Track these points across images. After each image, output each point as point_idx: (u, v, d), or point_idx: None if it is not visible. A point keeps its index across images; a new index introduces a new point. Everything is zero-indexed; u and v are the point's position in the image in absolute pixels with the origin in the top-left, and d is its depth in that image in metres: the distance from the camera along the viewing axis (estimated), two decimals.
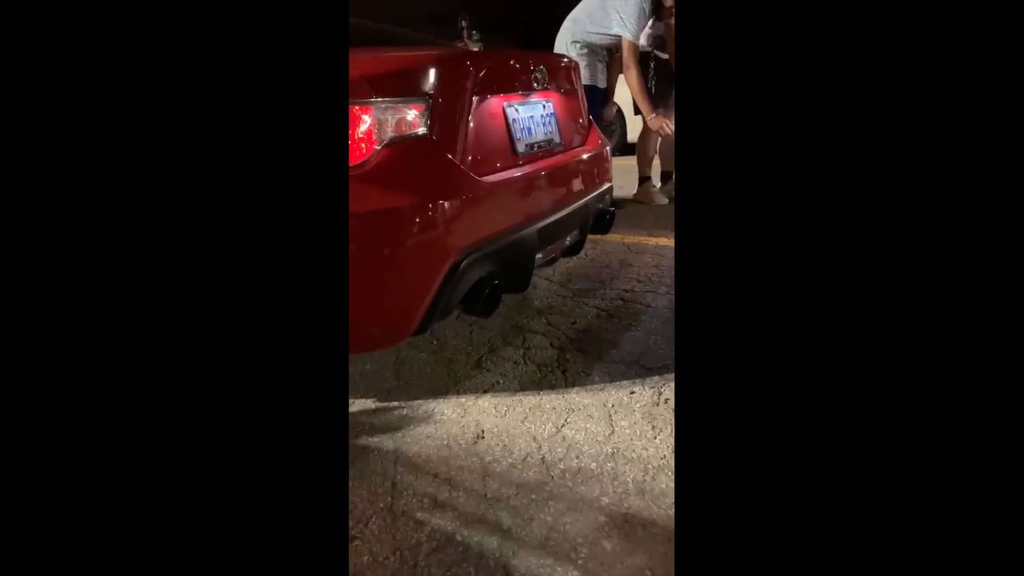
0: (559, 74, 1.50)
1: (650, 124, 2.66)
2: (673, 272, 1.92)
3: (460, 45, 4.38)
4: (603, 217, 1.63)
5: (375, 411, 1.23)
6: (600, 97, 2.72)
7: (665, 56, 2.75)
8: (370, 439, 1.12)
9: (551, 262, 1.62)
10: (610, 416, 1.13)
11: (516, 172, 1.25)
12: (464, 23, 4.58)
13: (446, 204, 1.06)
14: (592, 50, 2.63)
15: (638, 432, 1.07)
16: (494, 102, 1.24)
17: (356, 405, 1.25)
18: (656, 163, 3.05)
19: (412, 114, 1.05)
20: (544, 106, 1.42)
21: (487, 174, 1.17)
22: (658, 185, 3.02)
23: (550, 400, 1.21)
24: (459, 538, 0.85)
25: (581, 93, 1.66)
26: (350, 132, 0.99)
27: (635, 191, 3.00)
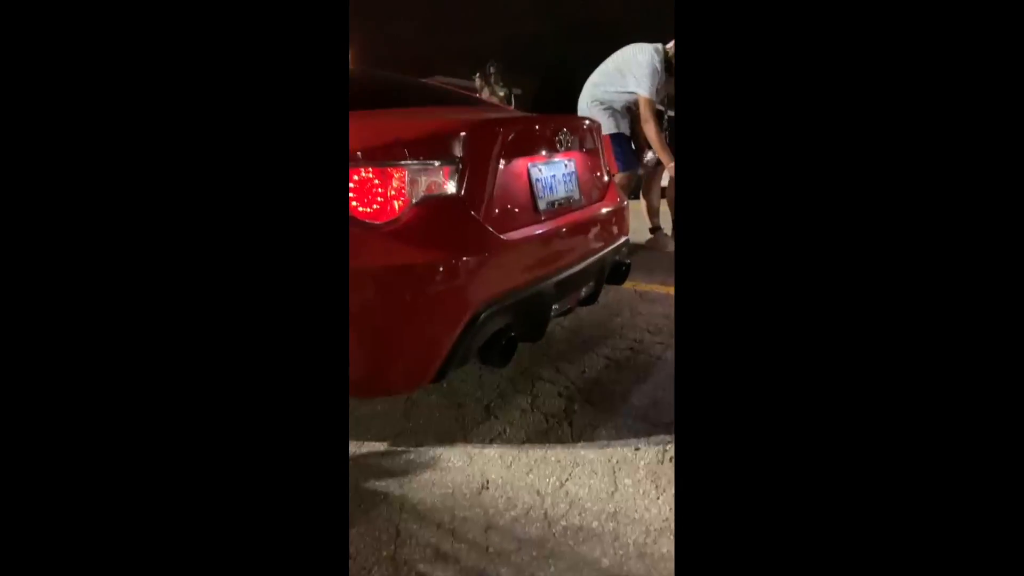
0: (581, 135, 1.58)
1: (671, 172, 2.77)
2: None
3: (486, 89, 4.54)
4: (619, 269, 1.67)
5: (384, 454, 1.25)
6: (627, 142, 2.84)
7: (672, 113, 2.90)
8: (378, 483, 1.14)
9: (567, 312, 1.65)
10: (614, 472, 1.14)
11: (537, 229, 1.30)
12: (492, 69, 4.76)
13: (470, 260, 1.12)
14: (612, 108, 2.78)
15: (641, 491, 1.08)
16: (519, 163, 1.30)
17: (366, 447, 1.27)
18: (665, 210, 3.13)
19: (442, 175, 1.12)
20: (566, 165, 1.48)
21: (510, 230, 1.23)
22: (669, 233, 3.07)
23: (555, 453, 1.22)
24: None
25: (602, 152, 1.73)
26: (384, 190, 1.06)
27: (647, 239, 3.07)
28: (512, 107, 5.24)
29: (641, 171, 3.09)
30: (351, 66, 1.69)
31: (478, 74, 4.76)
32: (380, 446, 1.28)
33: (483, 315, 1.13)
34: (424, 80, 1.94)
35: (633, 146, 2.90)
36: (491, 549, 0.95)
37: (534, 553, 0.94)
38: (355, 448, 1.27)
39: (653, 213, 3.11)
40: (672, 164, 2.71)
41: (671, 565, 0.90)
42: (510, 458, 1.21)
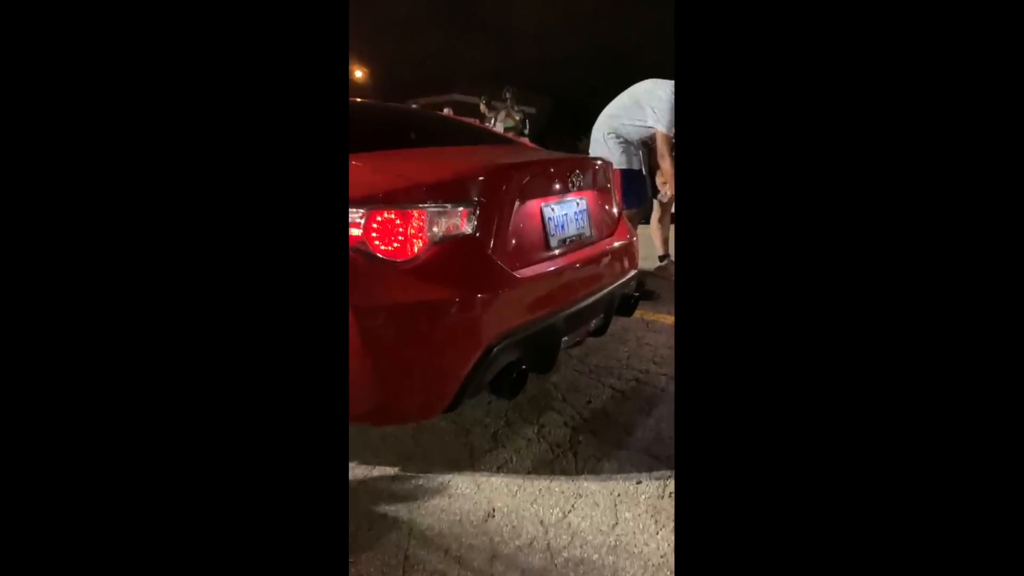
0: (593, 175, 1.64)
1: None
2: None
3: (493, 114, 4.64)
4: (628, 301, 1.72)
5: (394, 478, 1.30)
6: (639, 178, 2.88)
7: None
8: (388, 507, 1.19)
9: (577, 344, 1.70)
10: (615, 505, 1.18)
11: (549, 265, 1.36)
12: (508, 95, 4.89)
13: (484, 296, 1.18)
14: (627, 141, 2.80)
15: (641, 526, 1.12)
16: (533, 203, 1.37)
17: (377, 471, 1.32)
18: (674, 238, 3.17)
19: (460, 217, 1.18)
20: (578, 204, 1.54)
21: (523, 267, 1.29)
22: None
23: (559, 484, 1.26)
24: None
25: (613, 189, 1.79)
26: (404, 230, 1.13)
27: (656, 266, 3.12)
28: (527, 131, 5.37)
29: (656, 203, 3.14)
30: (371, 99, 1.78)
31: (483, 100, 4.89)
32: (391, 470, 1.33)
33: (496, 348, 1.18)
34: (442, 112, 2.02)
35: (648, 181, 2.94)
36: None
37: None
38: (366, 471, 1.32)
39: (663, 242, 3.15)
40: None
41: None
42: (515, 487, 1.25)
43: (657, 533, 1.10)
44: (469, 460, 1.36)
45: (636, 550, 1.05)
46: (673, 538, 1.08)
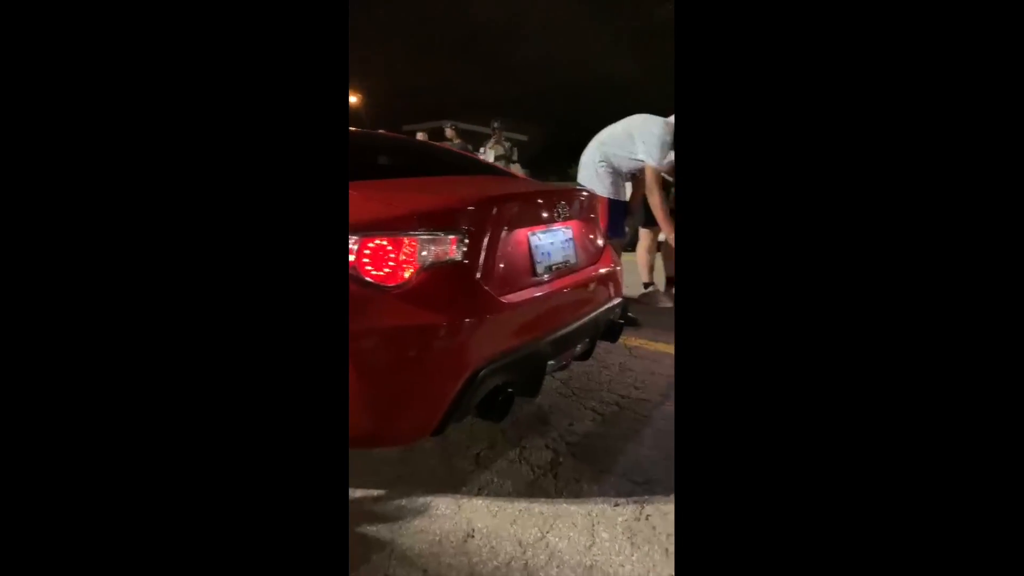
0: (579, 205, 1.71)
1: (672, 242, 2.90)
2: (668, 381, 2.03)
3: (494, 145, 4.77)
4: (613, 327, 1.77)
5: (377, 499, 1.32)
6: (623, 209, 2.96)
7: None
8: (369, 528, 1.21)
9: (562, 368, 1.74)
10: (593, 527, 1.21)
11: (536, 291, 1.41)
12: (496, 125, 5.04)
13: (472, 322, 1.22)
14: (616, 171, 2.88)
15: (617, 547, 1.15)
16: (520, 232, 1.43)
17: (360, 492, 1.34)
18: (659, 266, 3.26)
19: (449, 245, 1.24)
20: (564, 232, 1.61)
21: (510, 293, 1.34)
22: (662, 289, 3.19)
23: (539, 505, 1.29)
24: None
25: (598, 219, 1.86)
26: (395, 256, 1.18)
27: (640, 293, 3.18)
28: (515, 159, 5.51)
29: (643, 231, 3.23)
30: (364, 126, 1.85)
31: (449, 125, 5.07)
32: (375, 492, 1.35)
33: (483, 372, 1.22)
34: (435, 143, 2.09)
35: (640, 210, 3.02)
36: None
37: None
38: (351, 493, 1.34)
39: (649, 269, 3.23)
40: (673, 235, 2.82)
41: None
42: (496, 508, 1.28)
43: (632, 555, 1.13)
44: (451, 482, 1.39)
45: (612, 570, 1.08)
46: (648, 561, 1.11)
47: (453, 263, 1.24)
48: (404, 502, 1.31)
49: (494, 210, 1.35)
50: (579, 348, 1.62)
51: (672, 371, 2.13)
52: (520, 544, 1.16)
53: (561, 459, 1.50)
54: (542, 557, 1.12)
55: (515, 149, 5.29)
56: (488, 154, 4.87)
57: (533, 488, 1.36)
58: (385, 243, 1.18)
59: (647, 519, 1.24)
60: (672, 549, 1.14)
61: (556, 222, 1.57)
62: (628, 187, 3.02)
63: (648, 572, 1.08)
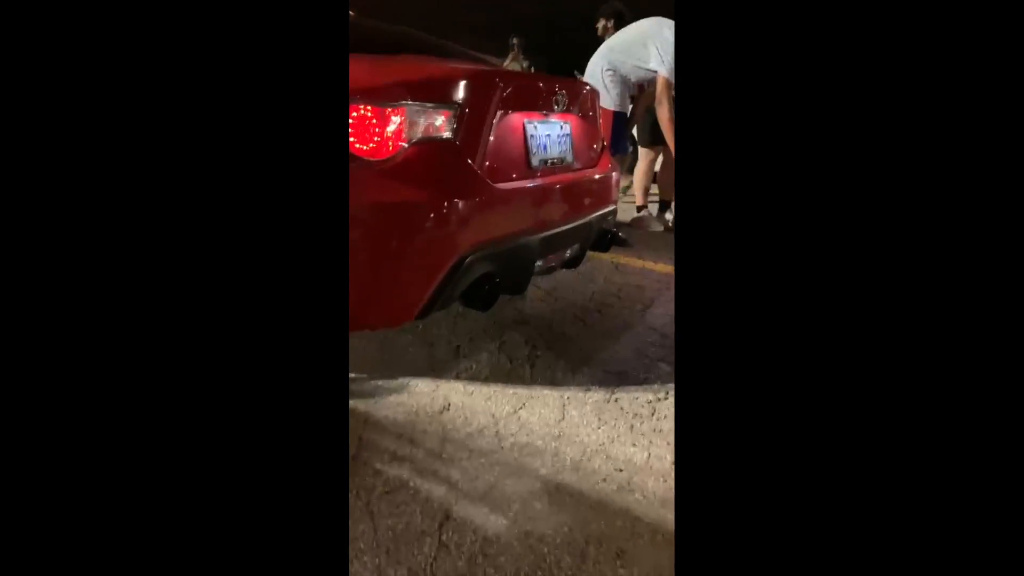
0: (579, 100, 1.64)
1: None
2: (652, 294, 2.05)
3: (511, 63, 4.52)
4: (604, 236, 1.74)
5: (354, 380, 1.35)
6: (624, 123, 2.83)
7: None
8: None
9: (550, 271, 1.73)
10: (564, 406, 1.25)
11: (528, 183, 1.37)
12: (515, 42, 4.75)
13: (460, 203, 1.18)
14: (623, 80, 2.71)
15: (585, 421, 1.19)
16: (515, 117, 1.37)
17: None
18: (653, 193, 3.22)
19: (440, 119, 1.19)
20: (561, 127, 1.55)
21: (501, 181, 1.29)
22: (654, 213, 3.16)
23: (514, 387, 1.33)
24: (411, 485, 0.97)
25: (598, 119, 1.79)
26: (381, 129, 1.13)
27: (632, 217, 3.15)
28: None
29: (642, 150, 3.15)
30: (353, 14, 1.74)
31: (515, 40, 4.71)
32: (352, 374, 1.38)
33: (470, 258, 1.19)
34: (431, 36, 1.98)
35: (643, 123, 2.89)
36: (444, 456, 1.06)
37: (482, 460, 1.05)
38: None
39: (644, 194, 3.16)
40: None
41: (600, 476, 1.01)
42: (472, 389, 1.32)
43: (599, 428, 1.17)
44: (430, 369, 1.42)
45: (577, 439, 1.13)
46: (611, 432, 1.15)
47: (443, 140, 1.19)
48: (381, 383, 1.34)
49: (488, 87, 1.28)
50: (569, 252, 1.60)
51: (656, 284, 2.15)
52: (493, 417, 1.20)
53: (539, 353, 1.53)
54: (513, 427, 1.16)
55: (532, 68, 5.03)
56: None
57: (510, 376, 1.40)
58: (370, 113, 1.13)
59: (615, 401, 1.28)
60: (637, 426, 1.18)
61: (554, 114, 1.51)
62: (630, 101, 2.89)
63: (612, 441, 1.12)
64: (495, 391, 1.31)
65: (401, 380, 1.35)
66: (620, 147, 2.81)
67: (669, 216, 3.17)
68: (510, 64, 4.75)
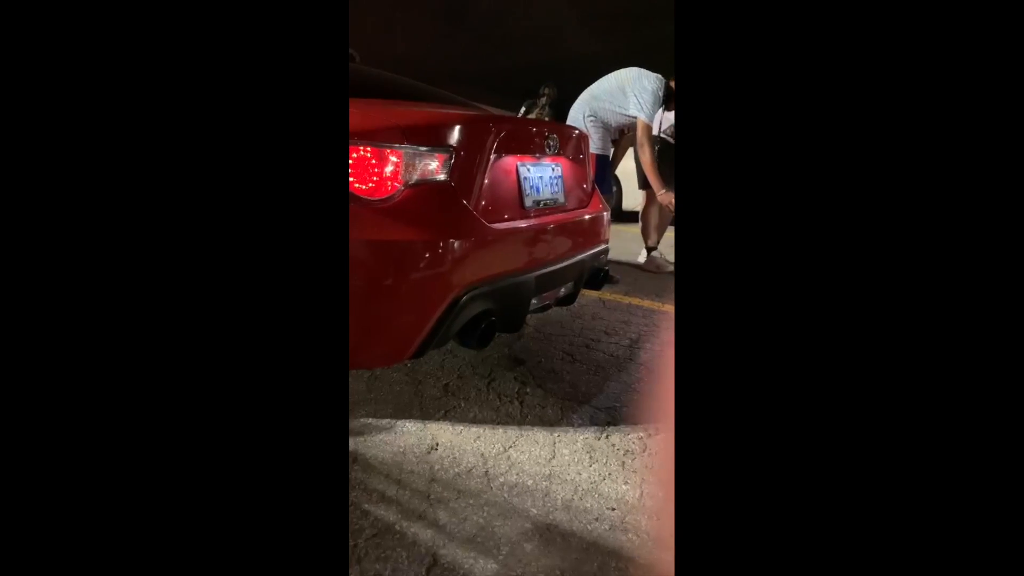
0: (570, 143, 1.70)
1: (661, 199, 2.86)
2: (640, 329, 2.06)
3: (537, 111, 4.44)
4: (597, 274, 1.76)
5: None
6: (606, 166, 2.93)
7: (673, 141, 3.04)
8: None
9: (544, 309, 1.74)
10: (554, 444, 1.24)
11: (521, 223, 1.40)
12: (545, 91, 4.59)
13: (455, 243, 1.20)
14: (605, 125, 2.82)
15: (576, 460, 1.18)
16: (509, 160, 1.41)
17: None
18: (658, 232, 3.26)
19: (436, 162, 1.21)
20: (553, 169, 1.59)
21: (495, 222, 1.32)
22: (666, 254, 3.20)
23: (504, 426, 1.31)
24: (397, 528, 0.94)
25: (588, 162, 1.84)
26: (380, 170, 1.16)
27: (639, 259, 3.19)
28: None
29: (643, 194, 3.21)
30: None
31: (547, 87, 4.55)
32: None
33: (466, 296, 1.20)
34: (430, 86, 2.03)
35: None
36: (432, 496, 1.04)
37: (471, 501, 1.02)
38: None
39: (649, 234, 3.20)
40: (663, 192, 2.78)
41: (592, 516, 0.99)
42: (461, 427, 1.30)
43: (591, 466, 1.16)
44: (418, 406, 1.40)
45: (569, 478, 1.11)
46: (604, 469, 1.14)
47: (439, 182, 1.22)
48: (369, 421, 1.32)
49: (483, 131, 1.32)
50: (563, 290, 1.62)
51: (642, 320, 2.16)
52: (482, 456, 1.18)
53: (528, 389, 1.52)
54: (503, 466, 1.14)
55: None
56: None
57: (499, 414, 1.38)
58: (369, 154, 1.15)
59: (607, 438, 1.27)
60: (628, 463, 1.17)
61: (546, 156, 1.55)
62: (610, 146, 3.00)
63: (604, 479, 1.11)
64: (484, 430, 1.29)
65: (388, 420, 1.33)
66: (604, 189, 2.87)
67: (657, 255, 3.21)
68: (538, 113, 4.59)
